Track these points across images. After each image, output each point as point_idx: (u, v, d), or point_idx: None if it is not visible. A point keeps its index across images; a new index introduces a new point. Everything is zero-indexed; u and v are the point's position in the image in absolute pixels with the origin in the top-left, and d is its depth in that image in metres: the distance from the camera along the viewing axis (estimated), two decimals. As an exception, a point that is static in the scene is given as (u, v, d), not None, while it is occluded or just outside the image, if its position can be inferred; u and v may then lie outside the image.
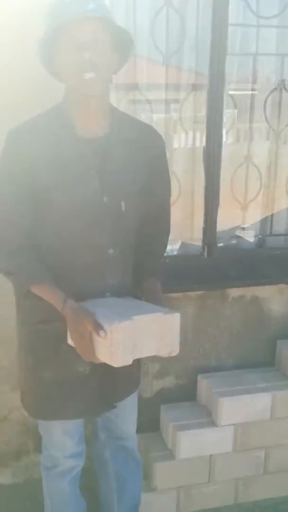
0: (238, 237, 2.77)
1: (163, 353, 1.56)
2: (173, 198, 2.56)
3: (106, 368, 1.54)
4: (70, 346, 1.58)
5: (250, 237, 2.78)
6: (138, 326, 1.49)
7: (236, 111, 2.73)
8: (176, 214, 2.63)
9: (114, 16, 1.59)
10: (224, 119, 2.65)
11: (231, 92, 2.57)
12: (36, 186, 1.56)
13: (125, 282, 1.74)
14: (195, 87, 2.53)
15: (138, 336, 1.50)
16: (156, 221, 1.83)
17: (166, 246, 1.94)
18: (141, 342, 1.52)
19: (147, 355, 1.56)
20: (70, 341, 1.58)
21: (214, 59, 2.37)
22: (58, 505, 1.96)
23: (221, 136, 2.48)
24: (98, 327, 1.48)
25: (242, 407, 2.35)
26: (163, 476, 2.34)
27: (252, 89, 2.65)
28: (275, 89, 2.62)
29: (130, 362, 1.51)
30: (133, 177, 1.67)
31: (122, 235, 1.68)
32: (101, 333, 1.47)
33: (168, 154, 2.27)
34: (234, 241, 2.76)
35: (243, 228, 2.78)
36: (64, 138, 1.58)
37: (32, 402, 1.81)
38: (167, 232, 1.91)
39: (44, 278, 1.61)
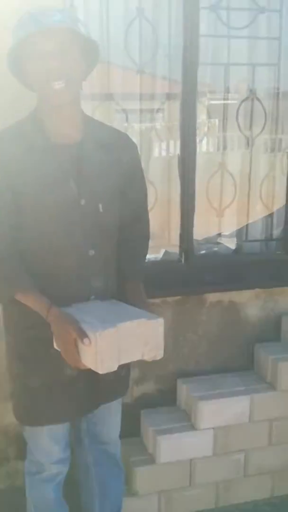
0: (218, 243, 2.81)
1: (148, 357, 1.59)
2: (150, 205, 2.62)
3: (93, 371, 1.56)
4: (57, 351, 1.60)
5: (230, 243, 2.83)
6: (122, 333, 1.52)
7: (216, 120, 2.79)
8: (153, 222, 2.69)
9: (82, 26, 1.65)
10: (205, 129, 2.72)
11: (213, 102, 2.64)
12: (15, 192, 1.59)
13: (109, 285, 1.76)
14: (169, 96, 2.58)
15: (123, 342, 1.52)
16: (135, 225, 1.86)
17: (147, 249, 1.97)
18: (126, 348, 1.54)
19: (133, 360, 1.59)
20: (56, 346, 1.60)
21: (187, 68, 2.43)
22: (42, 510, 1.96)
23: (195, 143, 2.53)
24: (82, 334, 1.49)
25: (221, 411, 2.38)
26: (144, 481, 2.35)
27: (225, 98, 2.72)
28: (246, 98, 2.67)
29: (115, 368, 1.53)
30: (109, 180, 1.71)
31: (101, 236, 1.71)
32: (85, 341, 1.49)
33: (143, 164, 2.33)
34: (215, 248, 2.80)
35: (219, 235, 2.83)
36: (40, 145, 1.61)
37: (21, 409, 1.81)
38: (146, 235, 1.94)
39: (27, 285, 1.62)
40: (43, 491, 1.92)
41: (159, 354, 1.59)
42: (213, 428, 2.38)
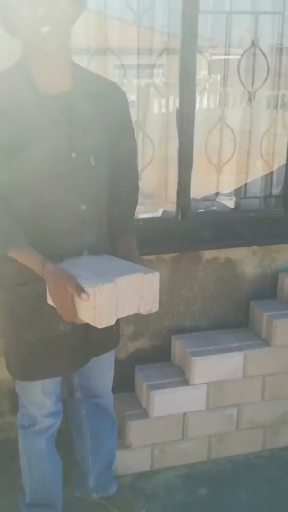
0: (216, 202, 2.78)
1: (144, 310, 1.60)
2: (147, 162, 2.58)
3: (86, 325, 1.56)
4: (51, 306, 1.60)
5: (229, 202, 2.80)
6: (120, 287, 1.52)
7: (218, 76, 2.71)
8: (151, 180, 2.66)
9: None
10: (206, 84, 2.65)
11: (214, 57, 2.55)
12: (4, 146, 1.54)
13: (101, 240, 1.75)
14: (169, 51, 2.49)
15: (120, 296, 1.53)
16: (125, 178, 1.84)
17: (136, 203, 1.94)
18: (123, 302, 1.55)
19: (129, 313, 1.60)
20: (50, 302, 1.60)
21: (186, 18, 2.34)
22: (35, 461, 2.00)
23: (194, 97, 2.47)
24: (80, 289, 1.49)
25: (214, 366, 2.39)
26: (138, 434, 2.38)
27: (226, 53, 2.63)
28: (248, 49, 2.59)
29: (113, 322, 1.54)
30: (100, 132, 1.67)
31: (93, 190, 1.68)
32: (83, 295, 1.48)
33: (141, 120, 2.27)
34: (214, 207, 2.77)
35: (218, 194, 2.79)
36: (28, 96, 1.56)
37: (16, 365, 1.82)
38: (136, 189, 1.92)
39: (21, 241, 1.61)
40: (36, 444, 1.96)
41: (154, 307, 1.61)
42: (206, 383, 2.40)
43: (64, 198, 1.62)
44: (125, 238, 1.83)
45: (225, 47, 2.60)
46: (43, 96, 1.58)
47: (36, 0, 1.46)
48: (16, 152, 1.55)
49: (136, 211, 1.96)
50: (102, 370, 1.98)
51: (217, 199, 2.78)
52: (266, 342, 2.49)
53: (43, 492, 2.03)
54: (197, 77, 2.48)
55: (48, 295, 1.60)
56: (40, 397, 1.86)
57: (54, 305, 1.59)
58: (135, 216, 1.98)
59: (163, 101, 2.62)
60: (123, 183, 1.83)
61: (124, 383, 2.47)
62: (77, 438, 2.17)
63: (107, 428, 2.13)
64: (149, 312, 1.61)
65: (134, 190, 1.91)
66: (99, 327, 1.51)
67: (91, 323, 1.52)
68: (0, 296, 1.77)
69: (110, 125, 1.69)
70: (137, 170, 1.91)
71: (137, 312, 1.60)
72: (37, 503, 2.04)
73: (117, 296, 1.52)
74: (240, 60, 2.60)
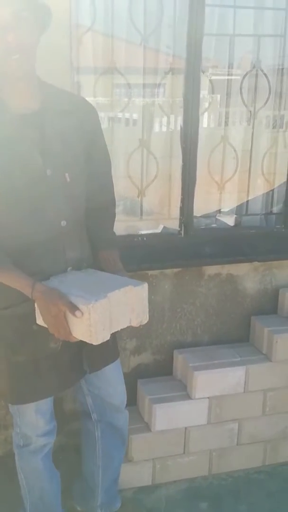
0: (217, 220, 2.83)
1: (135, 322, 1.64)
2: (151, 178, 2.64)
3: (74, 342, 1.58)
4: (40, 326, 1.61)
5: (230, 219, 2.85)
6: (112, 302, 1.55)
7: (218, 96, 2.78)
8: (154, 197, 2.71)
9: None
10: (207, 104, 2.71)
11: (216, 78, 2.62)
12: None
13: (84, 255, 1.78)
14: (173, 71, 2.56)
15: (113, 311, 1.56)
16: (101, 191, 1.86)
17: (114, 215, 1.97)
18: (116, 317, 1.57)
19: (122, 327, 1.62)
20: (40, 321, 1.61)
21: (191, 39, 2.41)
22: (33, 480, 2.00)
23: (197, 116, 2.53)
24: (73, 307, 1.51)
25: (216, 381, 2.42)
26: (140, 448, 2.40)
27: (229, 74, 2.70)
28: (250, 71, 2.66)
29: (108, 338, 1.56)
30: (73, 148, 1.69)
31: (71, 206, 1.70)
32: (78, 313, 1.50)
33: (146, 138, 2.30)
34: (215, 225, 2.82)
35: (219, 211, 2.84)
36: (0, 117, 1.59)
37: (9, 389, 1.81)
38: (113, 200, 1.95)
39: (7, 263, 1.61)
40: (32, 463, 1.96)
41: (144, 318, 1.65)
42: (208, 398, 2.42)
43: (43, 216, 1.64)
44: (108, 251, 1.86)
45: (228, 67, 2.67)
46: (15, 116, 1.60)
47: (5, 28, 1.49)
48: None
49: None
50: (110, 384, 1.98)
51: (217, 216, 2.83)
52: (266, 357, 2.51)
53: (43, 509, 2.03)
54: (200, 96, 2.55)
55: (37, 315, 1.60)
56: (34, 417, 1.86)
57: (44, 325, 1.59)
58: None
59: (164, 120, 2.69)
60: (100, 196, 1.85)
61: (127, 396, 2.48)
62: (88, 456, 2.16)
63: (118, 446, 2.14)
64: (141, 324, 1.65)
65: (111, 202, 1.94)
66: (94, 343, 1.53)
67: (86, 340, 1.54)
68: None
69: (82, 140, 1.72)
70: (111, 183, 1.93)
71: (129, 324, 1.63)
72: None
73: (110, 311, 1.54)
74: (242, 81, 2.67)
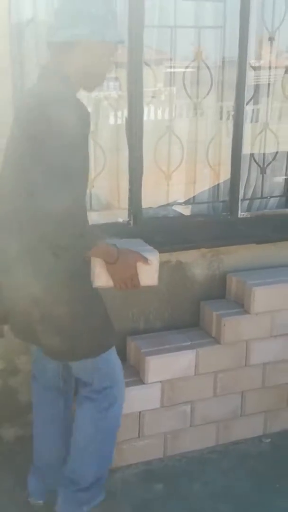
0: (171, 209, 2.90)
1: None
2: (99, 170, 2.68)
3: None
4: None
5: (185, 210, 2.92)
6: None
7: (174, 88, 2.84)
8: (103, 189, 2.76)
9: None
10: (152, 96, 2.77)
11: (160, 69, 2.68)
12: None
13: None
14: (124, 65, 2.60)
15: None
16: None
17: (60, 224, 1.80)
18: None
19: None
20: (99, 283, 1.89)
21: (132, 31, 2.45)
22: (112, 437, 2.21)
23: (142, 106, 2.58)
24: (145, 258, 1.91)
25: (168, 365, 2.48)
26: (95, 434, 2.43)
27: (171, 66, 2.76)
28: (193, 61, 2.73)
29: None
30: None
31: None
32: (150, 261, 1.91)
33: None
34: (163, 213, 2.88)
35: (168, 204, 2.91)
36: None
37: (101, 338, 1.99)
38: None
39: (102, 235, 1.87)
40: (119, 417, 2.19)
41: (155, 281, 1.97)
42: (160, 382, 2.48)
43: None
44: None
45: (171, 60, 2.73)
46: None
47: None
48: None
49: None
50: None
51: (173, 207, 2.91)
52: (215, 340, 2.59)
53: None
54: (145, 89, 2.60)
55: (97, 278, 1.88)
56: (118, 361, 2.14)
57: (104, 286, 1.89)
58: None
59: (114, 114, 2.73)
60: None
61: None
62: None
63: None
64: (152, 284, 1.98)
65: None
66: (156, 284, 1.96)
67: (149, 284, 1.95)
68: (71, 295, 1.88)
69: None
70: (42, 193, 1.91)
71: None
72: None
73: None
74: (184, 71, 2.73)
